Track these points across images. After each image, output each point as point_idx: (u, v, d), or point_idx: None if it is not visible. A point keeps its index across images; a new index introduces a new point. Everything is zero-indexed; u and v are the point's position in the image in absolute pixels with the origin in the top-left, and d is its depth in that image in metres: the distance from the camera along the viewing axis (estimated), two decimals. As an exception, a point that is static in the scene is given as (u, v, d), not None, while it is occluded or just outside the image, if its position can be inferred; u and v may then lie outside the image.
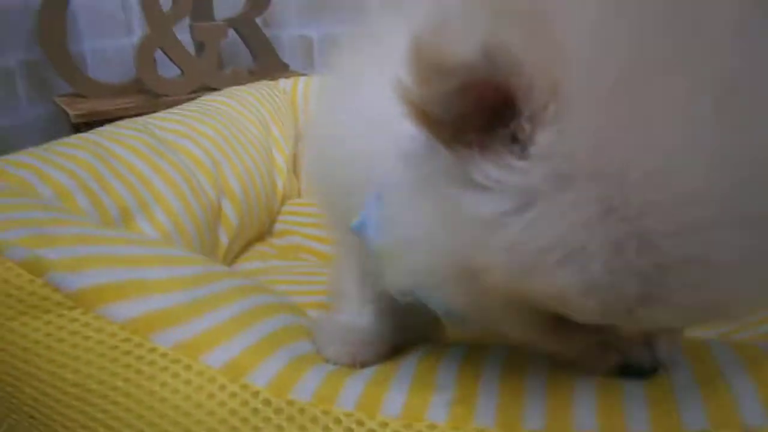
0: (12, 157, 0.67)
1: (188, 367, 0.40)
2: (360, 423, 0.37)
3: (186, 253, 0.52)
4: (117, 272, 0.44)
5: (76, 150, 0.73)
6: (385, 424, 0.37)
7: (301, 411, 0.38)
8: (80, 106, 1.39)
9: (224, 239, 0.90)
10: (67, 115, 1.39)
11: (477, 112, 0.28)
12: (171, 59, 1.44)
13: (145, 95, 1.47)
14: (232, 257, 0.94)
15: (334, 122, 0.48)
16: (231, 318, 0.44)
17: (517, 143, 0.28)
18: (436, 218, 0.32)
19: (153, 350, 0.40)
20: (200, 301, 0.44)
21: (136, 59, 1.41)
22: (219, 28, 1.49)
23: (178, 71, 1.50)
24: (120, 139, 0.80)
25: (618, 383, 0.36)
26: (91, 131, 0.82)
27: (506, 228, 0.28)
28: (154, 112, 1.37)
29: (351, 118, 0.43)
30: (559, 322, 0.32)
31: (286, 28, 1.81)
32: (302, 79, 1.32)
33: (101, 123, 1.29)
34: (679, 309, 0.28)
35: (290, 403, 0.38)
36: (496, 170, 0.28)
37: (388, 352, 0.46)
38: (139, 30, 1.78)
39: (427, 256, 0.34)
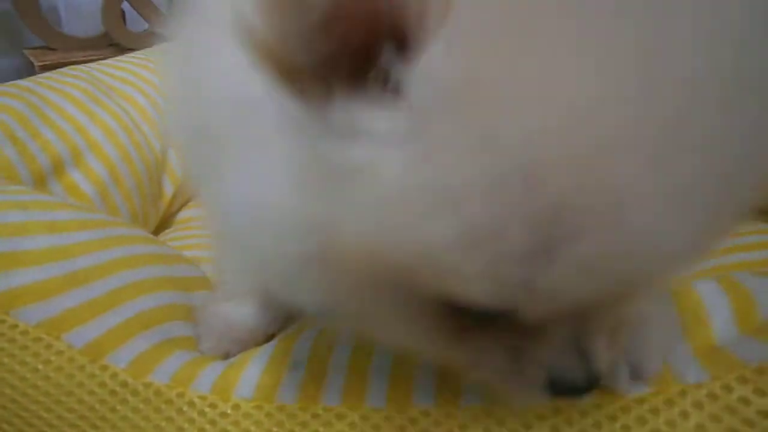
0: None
1: (49, 347, 0.38)
2: (213, 406, 0.36)
3: (80, 215, 0.49)
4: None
5: (6, 98, 0.69)
6: (237, 407, 0.35)
7: (157, 393, 0.37)
8: (47, 58, 1.34)
9: (168, 189, 0.86)
10: (34, 66, 1.35)
11: (343, 52, 0.22)
12: (139, 14, 1.39)
13: (114, 49, 1.42)
14: (178, 206, 0.90)
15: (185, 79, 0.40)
16: (103, 294, 0.41)
17: (389, 82, 0.22)
18: (287, 180, 0.26)
19: (14, 327, 0.38)
20: (75, 276, 0.42)
21: (103, 13, 1.36)
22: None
23: (146, 25, 1.45)
24: (57, 87, 0.75)
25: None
26: (28, 78, 0.78)
27: (375, 178, 0.23)
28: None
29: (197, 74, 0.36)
30: (448, 318, 0.26)
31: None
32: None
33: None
34: (585, 272, 0.21)
35: (147, 385, 0.37)
36: (364, 115, 0.23)
37: (263, 342, 0.44)
38: None
39: (278, 230, 0.27)
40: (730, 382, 0.28)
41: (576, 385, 0.26)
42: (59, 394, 0.37)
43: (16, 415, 0.38)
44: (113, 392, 0.37)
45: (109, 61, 0.92)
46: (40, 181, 0.64)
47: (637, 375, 0.29)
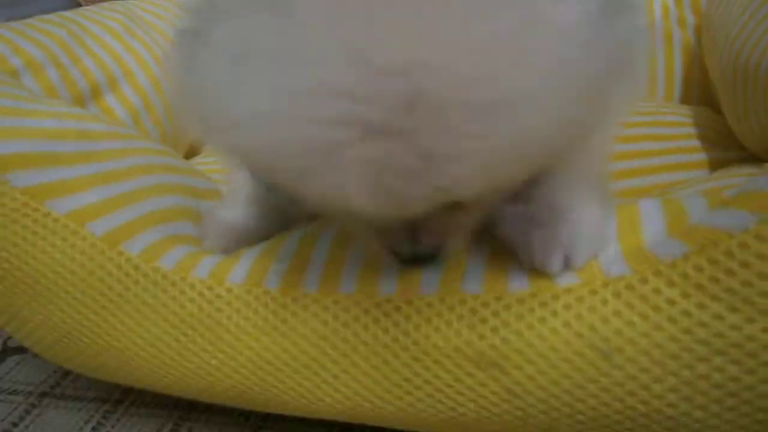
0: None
1: (75, 233, 0.44)
2: (210, 288, 0.41)
3: (110, 128, 0.55)
4: (31, 144, 0.48)
5: (52, 26, 0.74)
6: (230, 290, 0.41)
7: (164, 276, 0.42)
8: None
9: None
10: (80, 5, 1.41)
11: None
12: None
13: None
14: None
15: None
16: (123, 193, 0.47)
17: None
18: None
19: (47, 215, 0.44)
20: (100, 176, 0.48)
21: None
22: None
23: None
24: (97, 19, 0.80)
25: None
26: (72, 10, 0.83)
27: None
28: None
29: None
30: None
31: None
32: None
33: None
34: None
35: (155, 269, 0.42)
36: None
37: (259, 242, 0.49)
38: None
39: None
40: (647, 276, 0.32)
41: (403, 257, 0.34)
42: (83, 273, 0.43)
43: (46, 289, 0.44)
44: (127, 274, 0.43)
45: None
46: (79, 103, 0.70)
47: (569, 264, 0.33)
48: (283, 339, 0.39)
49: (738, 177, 0.56)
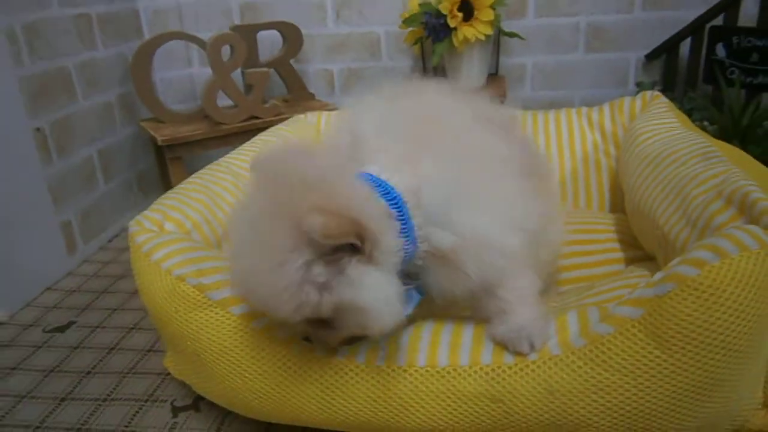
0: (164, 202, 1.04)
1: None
2: (402, 369, 0.76)
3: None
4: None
5: (199, 194, 1.05)
6: (416, 370, 0.76)
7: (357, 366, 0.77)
8: (163, 132, 1.76)
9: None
10: (151, 136, 1.78)
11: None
12: (228, 96, 1.81)
13: (208, 122, 1.83)
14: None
15: None
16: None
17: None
18: None
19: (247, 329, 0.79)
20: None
21: (203, 97, 1.77)
22: (264, 73, 1.85)
23: (232, 103, 1.87)
24: (218, 182, 1.13)
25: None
26: (196, 175, 1.15)
27: None
28: (215, 136, 1.75)
29: None
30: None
31: (312, 63, 2.16)
32: (324, 114, 1.67)
33: (179, 145, 1.67)
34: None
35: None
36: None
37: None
38: (197, 63, 2.16)
39: None
40: (569, 355, 0.69)
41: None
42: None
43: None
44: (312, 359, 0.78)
45: (233, 154, 1.30)
46: (217, 247, 1.05)
47: (532, 347, 0.70)
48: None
49: (625, 285, 0.94)
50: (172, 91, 2.13)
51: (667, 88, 1.95)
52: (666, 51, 1.93)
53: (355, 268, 0.60)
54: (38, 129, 1.47)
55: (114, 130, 1.85)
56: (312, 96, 2.10)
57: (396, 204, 0.66)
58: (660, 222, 0.97)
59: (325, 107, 1.95)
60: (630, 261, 1.18)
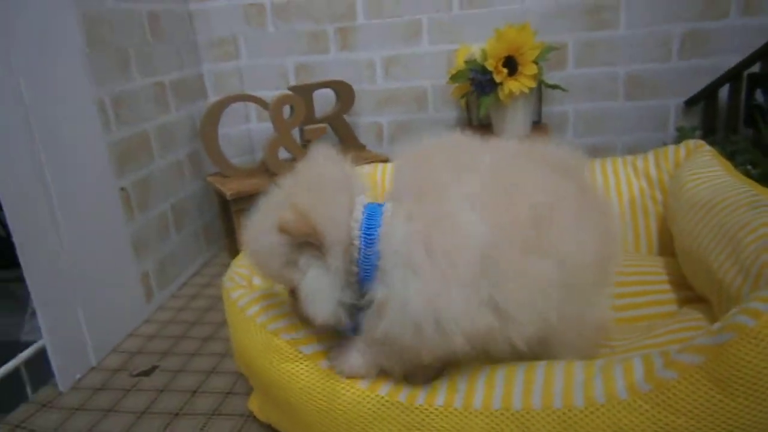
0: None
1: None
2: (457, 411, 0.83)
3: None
4: (325, 344, 0.90)
5: None
6: (472, 411, 0.82)
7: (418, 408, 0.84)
8: (229, 186, 1.88)
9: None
10: (217, 189, 1.90)
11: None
12: (289, 151, 1.93)
13: (269, 175, 1.95)
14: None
15: None
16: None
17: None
18: None
19: (334, 378, 0.86)
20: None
21: (266, 152, 1.90)
22: (321, 129, 1.97)
23: (289, 156, 1.98)
24: None
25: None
26: None
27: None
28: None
29: None
30: None
31: (363, 116, 2.28)
32: (380, 165, 1.76)
33: (245, 198, 1.78)
34: None
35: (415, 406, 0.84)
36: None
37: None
38: (254, 119, 2.30)
39: None
40: (636, 399, 0.74)
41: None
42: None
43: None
44: (383, 404, 0.84)
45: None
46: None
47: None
48: None
49: (683, 328, 0.98)
50: (232, 146, 2.27)
51: (708, 132, 1.99)
52: (705, 97, 1.98)
53: (306, 259, 0.74)
54: (123, 188, 1.60)
55: (184, 185, 1.98)
56: (363, 147, 2.21)
57: (369, 233, 0.74)
58: (714, 267, 1.01)
59: (376, 158, 2.05)
60: (682, 302, 1.22)
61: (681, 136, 2.02)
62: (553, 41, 2.01)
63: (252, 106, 2.27)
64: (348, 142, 2.17)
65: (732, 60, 1.92)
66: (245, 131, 2.32)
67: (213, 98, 2.20)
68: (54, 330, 1.31)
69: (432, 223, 0.70)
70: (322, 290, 0.74)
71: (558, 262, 0.75)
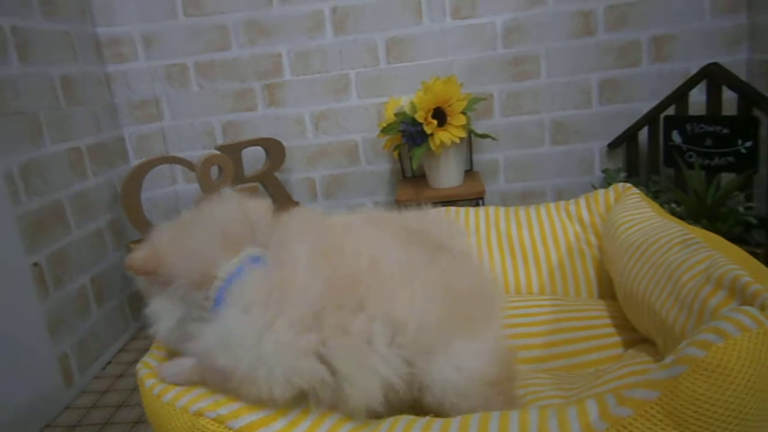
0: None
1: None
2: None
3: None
4: (252, 415, 0.84)
5: None
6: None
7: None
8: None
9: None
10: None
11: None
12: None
13: (198, 240, 1.87)
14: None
15: None
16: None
17: None
18: None
19: None
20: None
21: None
22: (253, 187, 1.92)
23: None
24: None
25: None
26: None
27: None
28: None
29: None
30: None
31: (294, 173, 2.25)
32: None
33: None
34: None
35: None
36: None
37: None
38: (181, 180, 2.23)
39: None
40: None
41: None
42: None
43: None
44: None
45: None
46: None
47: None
48: None
49: (632, 372, 0.98)
50: (158, 210, 2.18)
51: (632, 173, 2.08)
52: (627, 139, 2.08)
53: (153, 284, 0.78)
54: (35, 264, 1.49)
55: (106, 255, 1.87)
56: (296, 204, 2.17)
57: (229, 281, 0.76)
58: (656, 307, 1.02)
59: (311, 215, 2.01)
60: (628, 344, 1.22)
61: (607, 177, 2.10)
62: (479, 92, 2.07)
63: (178, 167, 2.20)
64: (280, 199, 2.13)
65: (649, 104, 2.03)
66: (172, 192, 2.24)
67: (135, 161, 2.12)
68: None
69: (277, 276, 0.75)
70: (160, 307, 0.79)
71: (386, 320, 0.78)
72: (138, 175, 1.84)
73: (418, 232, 0.91)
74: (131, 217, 1.84)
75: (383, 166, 2.24)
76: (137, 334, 1.97)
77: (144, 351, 1.81)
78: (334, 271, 0.77)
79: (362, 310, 0.77)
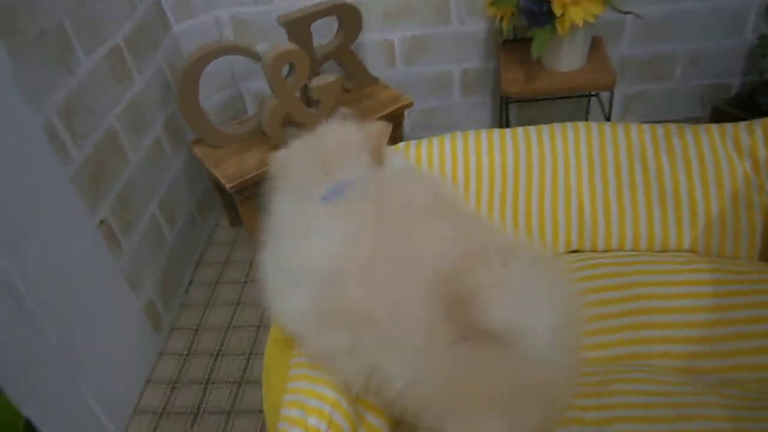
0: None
1: None
2: None
3: None
4: None
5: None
6: None
7: None
8: (226, 171, 1.54)
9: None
10: (209, 173, 1.56)
11: None
12: (296, 120, 1.56)
13: (269, 147, 1.59)
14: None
15: None
16: None
17: None
18: None
19: None
20: None
21: (266, 123, 1.53)
22: (335, 83, 1.57)
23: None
24: None
25: None
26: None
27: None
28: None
29: None
30: None
31: (368, 33, 1.85)
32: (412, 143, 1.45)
33: (250, 184, 1.47)
34: None
35: None
36: None
37: None
38: (241, 82, 1.87)
39: None
40: None
41: None
42: None
43: None
44: None
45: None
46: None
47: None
48: None
49: None
50: (217, 112, 1.85)
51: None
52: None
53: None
54: (102, 222, 1.28)
55: (169, 166, 1.63)
56: (376, 81, 1.83)
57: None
58: None
59: (392, 97, 1.71)
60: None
61: (762, 45, 1.70)
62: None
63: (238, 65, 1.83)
64: (358, 77, 1.78)
65: None
66: (233, 94, 1.90)
67: (177, 27, 1.74)
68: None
69: None
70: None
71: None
72: (194, 70, 1.50)
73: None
74: (189, 117, 1.55)
75: (478, 26, 1.82)
76: (210, 239, 1.82)
77: (221, 255, 1.70)
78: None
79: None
